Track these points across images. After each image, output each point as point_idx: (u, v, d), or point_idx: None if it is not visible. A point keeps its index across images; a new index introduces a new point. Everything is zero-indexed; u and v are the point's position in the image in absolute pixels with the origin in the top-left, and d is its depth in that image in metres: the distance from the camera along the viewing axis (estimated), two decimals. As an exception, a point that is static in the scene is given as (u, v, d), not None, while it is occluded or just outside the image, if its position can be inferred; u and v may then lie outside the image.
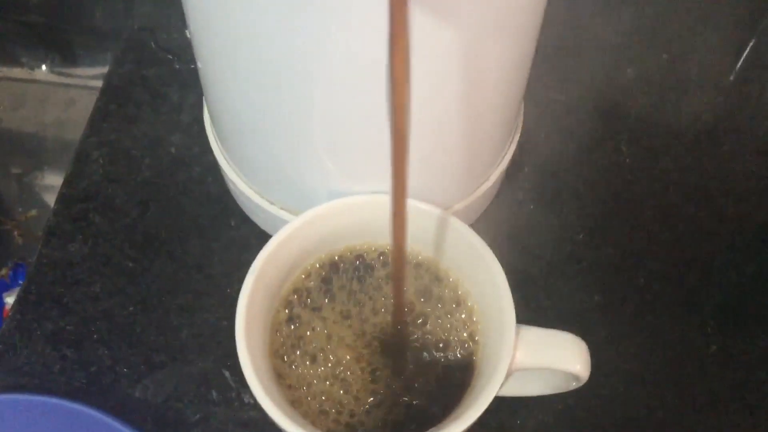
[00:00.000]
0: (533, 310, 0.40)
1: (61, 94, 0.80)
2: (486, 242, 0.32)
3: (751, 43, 0.51)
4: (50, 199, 0.74)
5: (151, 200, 0.42)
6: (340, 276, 0.33)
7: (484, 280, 0.32)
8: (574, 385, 0.32)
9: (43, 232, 0.41)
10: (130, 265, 0.40)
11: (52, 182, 0.76)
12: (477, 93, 0.31)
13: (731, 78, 0.49)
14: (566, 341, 0.31)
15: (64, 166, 0.76)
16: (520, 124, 0.40)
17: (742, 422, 0.38)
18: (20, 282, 0.62)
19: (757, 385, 0.39)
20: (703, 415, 0.38)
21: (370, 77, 0.27)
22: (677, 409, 0.38)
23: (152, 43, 0.49)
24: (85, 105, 0.80)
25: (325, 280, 0.33)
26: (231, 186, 0.39)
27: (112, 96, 0.47)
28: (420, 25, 0.25)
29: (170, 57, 0.48)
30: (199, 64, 0.33)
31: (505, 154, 0.39)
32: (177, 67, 0.48)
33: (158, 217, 0.42)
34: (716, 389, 0.39)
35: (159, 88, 0.47)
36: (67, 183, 0.43)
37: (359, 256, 0.33)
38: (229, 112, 0.34)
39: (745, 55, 0.51)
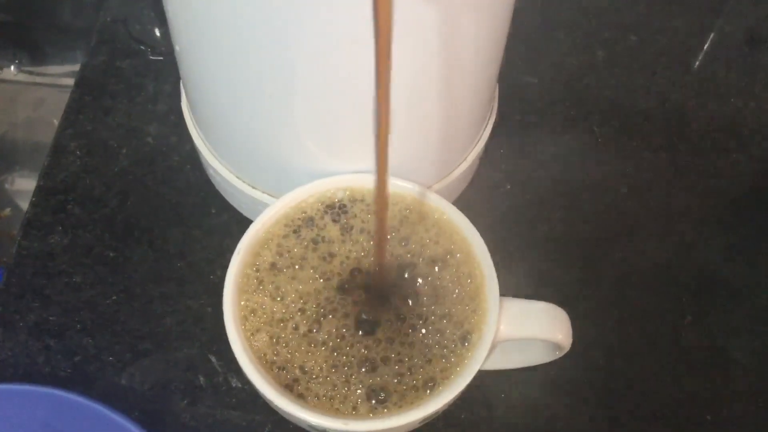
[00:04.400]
0: (513, 287, 0.40)
1: (31, 94, 0.79)
2: (467, 218, 0.33)
3: (717, 24, 0.52)
4: (22, 199, 0.73)
5: (130, 190, 0.42)
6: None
7: (465, 255, 0.32)
8: (556, 355, 0.33)
9: (21, 224, 0.41)
10: (111, 254, 0.40)
11: (23, 182, 0.75)
12: (455, 73, 0.31)
13: (699, 58, 0.51)
14: (548, 311, 0.32)
15: (35, 166, 0.76)
16: (496, 106, 0.41)
17: (717, 390, 0.39)
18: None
19: (730, 352, 0.40)
20: (680, 383, 0.39)
21: (350, 55, 0.28)
22: (655, 378, 0.39)
23: (125, 35, 0.49)
24: (55, 104, 0.79)
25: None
26: (211, 172, 0.40)
27: (86, 88, 0.46)
28: (400, 4, 0.26)
29: (144, 48, 0.48)
30: (177, 47, 0.33)
31: (482, 134, 0.39)
32: (151, 57, 0.48)
33: (138, 207, 0.42)
34: (692, 358, 0.40)
35: (134, 78, 0.47)
36: (44, 175, 0.43)
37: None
38: (208, 95, 0.34)
39: (711, 36, 0.52)
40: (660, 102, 0.48)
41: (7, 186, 0.74)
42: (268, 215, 0.33)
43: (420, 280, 0.32)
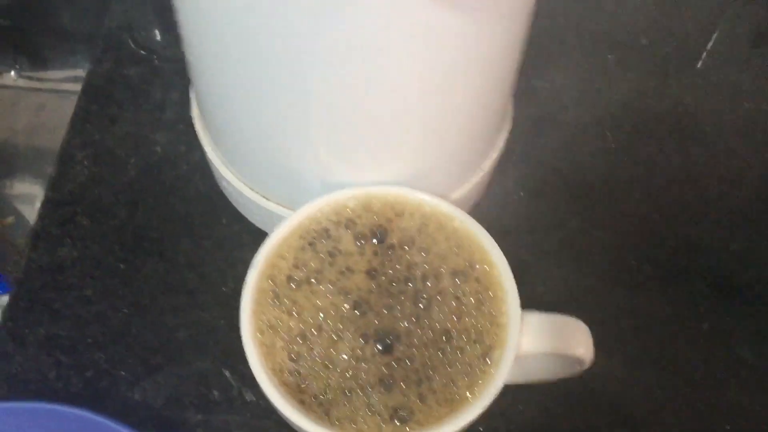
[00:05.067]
0: (528, 296, 0.40)
1: (31, 99, 0.79)
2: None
3: (726, 26, 0.52)
4: (24, 206, 0.73)
5: (139, 200, 0.42)
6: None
7: (485, 267, 0.32)
8: (577, 369, 0.33)
9: (29, 236, 0.40)
10: (122, 266, 0.40)
11: (25, 188, 0.75)
12: (475, 83, 0.31)
13: (711, 60, 0.50)
14: (569, 325, 0.31)
15: (37, 172, 0.75)
16: (511, 113, 0.40)
17: (737, 398, 0.38)
18: (0, 291, 0.61)
19: (749, 360, 0.40)
20: (699, 392, 0.39)
21: (367, 65, 0.27)
22: (674, 388, 0.39)
23: (131, 42, 0.48)
24: (56, 109, 0.79)
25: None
26: (223, 183, 0.39)
27: (92, 96, 0.46)
28: (424, 15, 0.25)
29: (150, 55, 0.47)
30: (189, 57, 0.32)
31: (498, 142, 0.39)
32: (157, 64, 0.47)
33: (147, 218, 0.41)
34: (711, 366, 0.39)
35: (140, 86, 0.46)
36: (51, 186, 0.42)
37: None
38: (222, 107, 0.33)
39: (717, 36, 0.52)
40: (673, 105, 0.48)
41: (8, 192, 0.73)
42: (283, 228, 0.32)
43: (439, 295, 0.31)
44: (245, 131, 0.33)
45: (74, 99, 0.78)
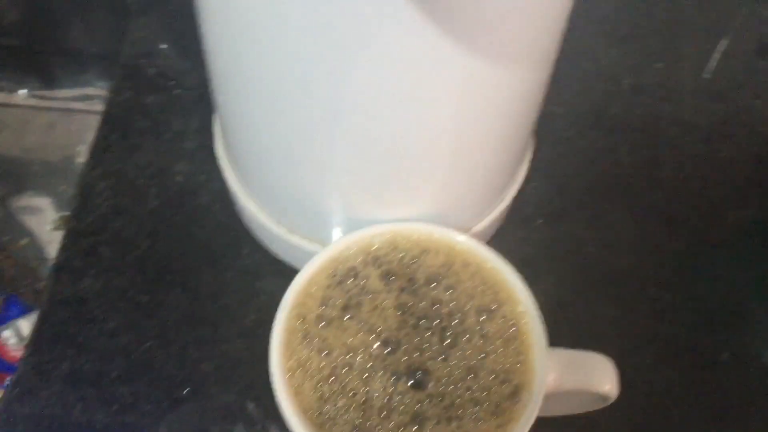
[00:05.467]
0: (549, 326, 0.40)
1: (42, 118, 0.79)
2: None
3: (721, 47, 0.52)
4: (36, 224, 0.73)
5: (161, 231, 0.42)
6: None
7: (511, 305, 0.32)
8: (602, 404, 0.33)
9: (52, 270, 0.40)
10: (144, 298, 0.40)
11: (36, 206, 0.75)
12: (503, 122, 0.31)
13: (725, 83, 0.50)
14: (595, 362, 0.31)
15: (49, 191, 0.75)
16: (533, 144, 0.40)
17: (764, 428, 0.39)
18: (14, 314, 0.61)
19: (770, 389, 0.40)
20: (720, 423, 0.39)
21: (396, 103, 0.28)
22: (695, 418, 0.39)
23: (150, 70, 0.48)
24: (66, 128, 0.79)
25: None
26: (246, 214, 0.39)
27: (112, 126, 0.46)
28: (448, 55, 0.25)
29: (170, 83, 0.48)
30: (215, 86, 0.33)
31: (520, 174, 0.39)
32: (177, 92, 0.47)
33: (169, 248, 0.42)
34: (731, 396, 0.39)
35: (160, 115, 0.46)
36: (74, 217, 0.42)
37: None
38: (247, 136, 0.33)
39: (717, 59, 0.52)
40: (688, 129, 0.48)
41: (19, 209, 0.74)
42: (311, 267, 0.32)
43: (467, 333, 0.32)
44: (273, 169, 0.34)
45: (84, 117, 0.79)
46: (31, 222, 0.72)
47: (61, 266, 0.41)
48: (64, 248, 0.41)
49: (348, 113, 0.28)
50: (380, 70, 0.26)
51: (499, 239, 0.42)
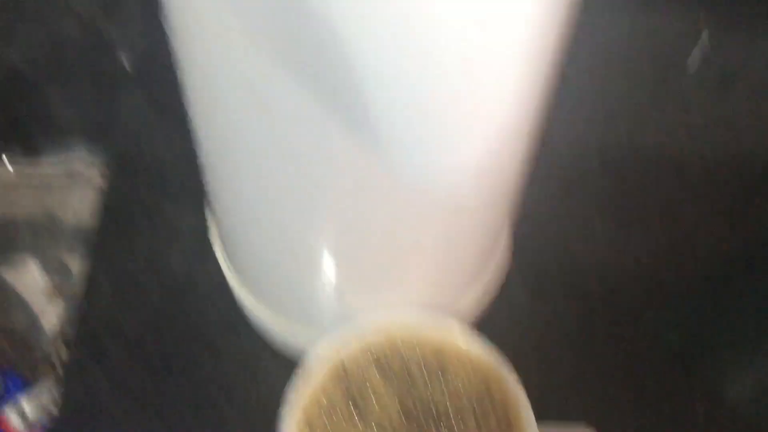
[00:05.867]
0: (536, 401, 0.42)
1: (25, 189, 0.79)
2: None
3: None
4: (30, 296, 0.73)
5: (163, 326, 0.44)
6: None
7: (500, 395, 0.34)
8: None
9: (63, 371, 0.42)
10: (150, 391, 0.42)
11: (28, 275, 0.75)
12: (484, 218, 0.34)
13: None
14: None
15: (40, 259, 0.76)
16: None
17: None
18: (13, 392, 0.62)
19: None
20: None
21: (387, 226, 0.30)
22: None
23: (143, 158, 0.50)
24: (52, 196, 0.79)
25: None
26: (244, 306, 0.41)
27: (109, 220, 0.48)
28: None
29: (162, 169, 0.49)
30: (210, 181, 0.35)
31: (499, 249, 0.42)
32: (171, 179, 0.49)
33: (173, 343, 0.43)
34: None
35: (156, 206, 0.48)
36: (80, 319, 0.44)
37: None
38: (249, 244, 0.36)
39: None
40: (665, 203, 0.51)
41: (14, 283, 0.74)
42: (313, 374, 0.34)
43: (462, 423, 0.34)
44: (266, 262, 0.36)
45: (70, 187, 0.79)
46: (25, 293, 0.73)
47: (71, 370, 0.42)
48: (74, 350, 0.43)
49: (338, 224, 0.31)
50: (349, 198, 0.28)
51: (487, 320, 0.44)
